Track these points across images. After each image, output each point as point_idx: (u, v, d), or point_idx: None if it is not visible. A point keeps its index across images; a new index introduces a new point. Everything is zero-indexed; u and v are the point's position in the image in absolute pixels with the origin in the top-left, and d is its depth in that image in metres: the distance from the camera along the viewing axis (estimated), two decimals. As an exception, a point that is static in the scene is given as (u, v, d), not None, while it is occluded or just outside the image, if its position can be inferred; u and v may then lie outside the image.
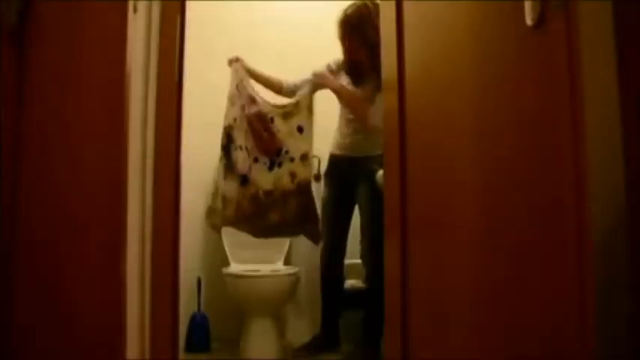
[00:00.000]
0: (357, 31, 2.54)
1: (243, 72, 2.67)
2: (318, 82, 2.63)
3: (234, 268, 2.79)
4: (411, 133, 1.45)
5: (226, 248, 2.91)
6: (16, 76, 1.16)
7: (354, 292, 2.77)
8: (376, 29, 2.06)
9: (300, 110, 2.60)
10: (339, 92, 2.61)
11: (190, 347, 2.77)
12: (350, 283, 2.83)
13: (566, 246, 0.85)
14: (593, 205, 0.80)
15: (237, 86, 2.65)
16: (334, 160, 2.75)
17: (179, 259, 1.52)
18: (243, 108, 2.61)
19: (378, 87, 2.28)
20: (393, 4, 1.52)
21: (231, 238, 2.91)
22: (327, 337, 2.73)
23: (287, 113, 2.61)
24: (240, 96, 2.63)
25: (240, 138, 2.61)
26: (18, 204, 1.15)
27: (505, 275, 1.03)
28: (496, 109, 1.08)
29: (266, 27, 3.19)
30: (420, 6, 1.41)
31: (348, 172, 2.65)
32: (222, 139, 2.66)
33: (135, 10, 1.31)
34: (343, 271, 2.76)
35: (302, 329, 3.08)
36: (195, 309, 2.83)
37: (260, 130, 2.58)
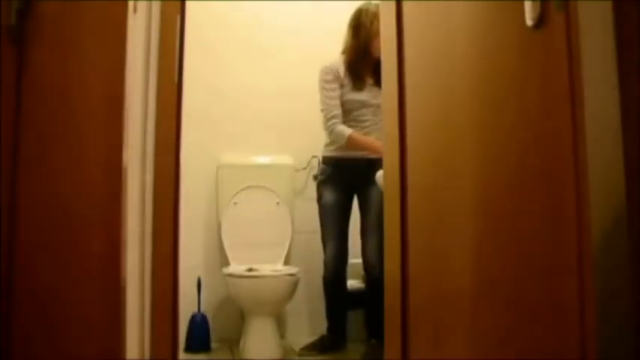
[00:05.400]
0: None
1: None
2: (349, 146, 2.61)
3: (234, 268, 2.78)
4: (411, 128, 1.45)
5: (226, 248, 2.91)
6: (15, 76, 1.16)
7: (355, 292, 2.78)
8: None
9: None
10: (370, 149, 2.55)
11: (190, 347, 2.77)
12: (350, 283, 2.83)
13: (566, 247, 0.85)
14: (593, 205, 0.80)
15: None
16: (335, 163, 2.70)
17: (179, 259, 1.52)
18: None
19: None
20: (393, 4, 1.52)
21: (231, 238, 2.91)
22: (334, 338, 2.74)
23: None
24: None
25: None
26: (17, 204, 1.15)
27: (505, 276, 1.03)
28: (495, 109, 1.08)
29: (266, 28, 3.18)
30: (419, 6, 1.41)
31: (352, 173, 2.62)
32: None
33: (135, 10, 1.31)
34: (346, 272, 2.77)
35: (302, 329, 3.08)
36: (196, 309, 2.83)
37: None
